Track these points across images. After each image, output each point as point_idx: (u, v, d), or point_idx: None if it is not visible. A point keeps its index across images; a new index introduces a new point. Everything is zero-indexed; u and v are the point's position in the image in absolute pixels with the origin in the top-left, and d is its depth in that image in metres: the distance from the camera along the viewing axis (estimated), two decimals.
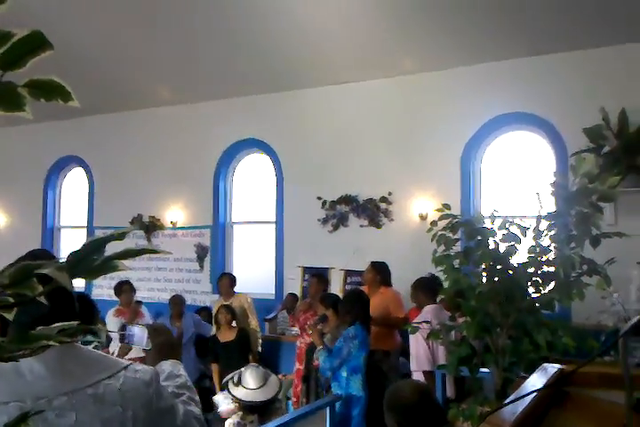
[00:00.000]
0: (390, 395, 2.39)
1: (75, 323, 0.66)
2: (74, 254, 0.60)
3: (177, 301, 7.08)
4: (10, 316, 0.59)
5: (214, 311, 6.89)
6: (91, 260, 0.59)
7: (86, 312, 4.31)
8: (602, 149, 5.67)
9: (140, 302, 7.17)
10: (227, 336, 6.31)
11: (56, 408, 1.23)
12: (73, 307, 1.42)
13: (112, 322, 6.68)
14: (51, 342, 0.62)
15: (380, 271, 6.14)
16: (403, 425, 2.25)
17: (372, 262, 6.23)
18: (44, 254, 4.68)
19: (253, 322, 6.93)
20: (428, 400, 2.31)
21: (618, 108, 5.78)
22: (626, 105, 5.78)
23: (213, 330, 6.76)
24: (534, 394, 1.47)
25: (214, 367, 6.34)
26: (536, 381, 1.68)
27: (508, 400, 1.42)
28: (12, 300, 0.57)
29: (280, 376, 5.32)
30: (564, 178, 2.99)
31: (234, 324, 6.54)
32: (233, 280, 7.18)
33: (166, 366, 1.66)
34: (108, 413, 1.27)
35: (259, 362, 5.68)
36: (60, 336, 0.63)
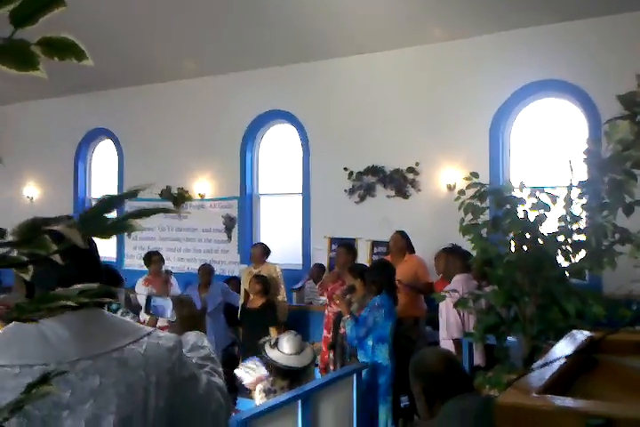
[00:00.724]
0: (416, 362, 2.39)
1: (95, 285, 0.65)
2: (85, 212, 0.59)
3: (206, 270, 7.14)
4: (27, 276, 0.58)
5: (243, 278, 6.94)
6: (103, 218, 0.58)
7: (110, 282, 4.40)
8: (636, 116, 5.51)
9: (169, 272, 7.25)
10: (254, 304, 6.34)
11: (80, 371, 1.23)
12: (99, 271, 1.41)
13: (141, 291, 6.78)
14: (69, 303, 0.62)
15: (407, 239, 6.20)
16: (428, 391, 2.25)
17: (399, 231, 6.26)
18: None
19: (281, 292, 6.96)
20: (454, 367, 2.31)
21: None
22: None
23: (242, 299, 6.82)
24: (563, 360, 1.45)
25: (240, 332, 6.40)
26: (564, 347, 1.65)
27: (535, 365, 1.41)
28: (25, 258, 0.57)
29: (310, 345, 5.35)
30: (597, 145, 2.92)
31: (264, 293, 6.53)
32: (266, 250, 7.20)
33: (191, 337, 1.66)
34: (131, 377, 1.28)
35: (277, 331, 5.75)
36: (80, 297, 0.62)
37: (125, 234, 9.78)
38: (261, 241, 8.53)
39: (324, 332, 5.82)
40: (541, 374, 1.37)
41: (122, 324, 1.39)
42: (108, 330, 1.32)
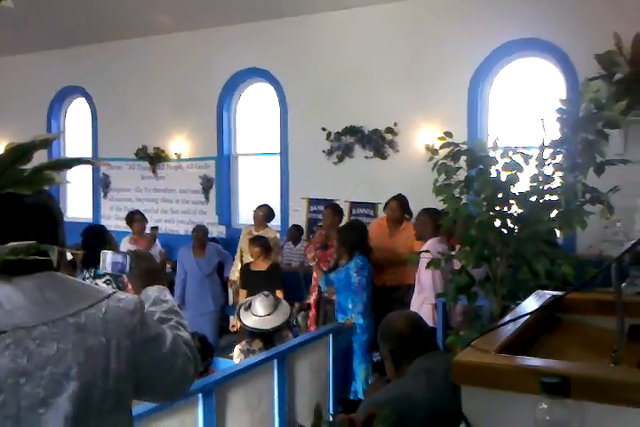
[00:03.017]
0: (383, 325, 2.43)
1: (29, 242, 0.63)
2: None
3: (200, 231, 6.99)
4: None
5: (241, 237, 6.94)
6: (17, 170, 0.55)
7: (96, 243, 4.35)
8: (614, 75, 5.49)
9: (156, 228, 7.23)
10: (259, 266, 6.25)
11: (36, 338, 1.21)
12: (48, 231, 1.33)
13: (127, 249, 6.76)
14: None
15: (405, 206, 6.00)
16: (395, 353, 2.28)
17: (397, 198, 6.02)
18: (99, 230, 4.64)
19: (275, 257, 6.92)
20: (420, 329, 2.35)
21: (631, 34, 5.56)
22: None
23: (237, 259, 6.83)
24: (525, 318, 1.46)
25: (242, 294, 6.30)
26: (529, 306, 1.67)
27: (497, 324, 1.41)
28: None
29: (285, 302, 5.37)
30: (572, 105, 2.89)
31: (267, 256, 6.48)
32: (271, 213, 7.14)
33: (152, 291, 1.64)
34: (90, 342, 1.26)
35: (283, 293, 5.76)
36: (11, 255, 0.60)
37: (102, 195, 9.70)
38: (236, 203, 8.53)
39: (313, 294, 5.81)
40: (502, 332, 1.38)
41: (80, 287, 1.36)
42: (64, 294, 1.29)
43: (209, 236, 8.31)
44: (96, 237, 4.44)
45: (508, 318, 1.47)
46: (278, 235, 7.08)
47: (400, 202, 6.01)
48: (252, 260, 6.35)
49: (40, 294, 1.25)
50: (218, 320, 6.83)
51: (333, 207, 6.51)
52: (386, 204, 6.17)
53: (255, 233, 6.85)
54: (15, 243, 0.63)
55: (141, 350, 1.35)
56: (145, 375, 1.38)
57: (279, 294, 5.85)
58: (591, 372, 1.11)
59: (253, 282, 6.14)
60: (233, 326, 6.30)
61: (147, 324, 1.39)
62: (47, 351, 1.21)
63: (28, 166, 0.66)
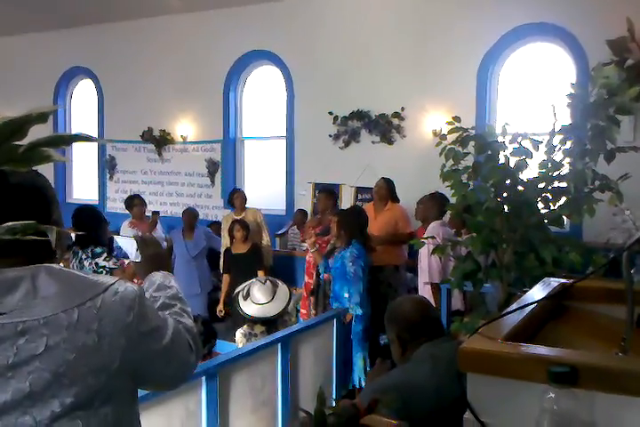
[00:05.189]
0: (392, 308, 2.41)
1: (27, 222, 0.60)
2: None
3: (190, 214, 7.09)
4: None
5: (225, 225, 6.93)
6: (12, 146, 0.52)
7: (93, 223, 4.33)
8: (625, 61, 5.41)
9: (157, 213, 7.23)
10: (239, 249, 6.37)
11: (26, 333, 1.18)
12: (42, 211, 1.28)
13: (127, 233, 6.77)
14: None
15: (391, 187, 6.13)
16: (402, 337, 2.27)
17: (385, 178, 6.19)
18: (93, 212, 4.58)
19: (265, 237, 6.97)
20: (429, 314, 2.33)
21: None
22: None
23: (223, 245, 6.82)
24: (533, 306, 1.44)
25: (225, 278, 6.45)
26: (536, 294, 1.65)
27: (504, 312, 1.40)
28: None
29: (293, 290, 5.39)
30: (583, 90, 2.85)
31: (247, 238, 6.56)
32: (245, 195, 7.18)
33: (157, 277, 1.62)
34: (82, 340, 1.22)
35: (271, 276, 5.75)
36: (7, 234, 0.57)
37: (107, 177, 9.69)
38: (242, 186, 8.50)
39: (306, 277, 5.85)
40: (509, 320, 1.36)
41: (78, 280, 1.30)
42: (60, 289, 1.24)
43: (214, 219, 8.34)
44: (88, 217, 4.42)
45: (515, 305, 1.45)
46: (261, 213, 7.05)
47: (386, 180, 6.14)
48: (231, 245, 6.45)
49: (34, 289, 1.21)
50: (206, 304, 6.86)
51: (327, 192, 6.54)
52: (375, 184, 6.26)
53: (237, 217, 6.87)
54: (12, 222, 0.61)
55: (138, 346, 1.31)
56: (143, 369, 1.35)
57: (261, 273, 5.93)
58: (600, 361, 1.10)
59: (235, 265, 6.23)
60: (220, 311, 6.35)
61: (146, 317, 1.34)
62: (36, 348, 1.18)
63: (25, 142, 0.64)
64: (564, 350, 1.16)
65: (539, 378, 1.07)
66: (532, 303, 1.40)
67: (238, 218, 6.81)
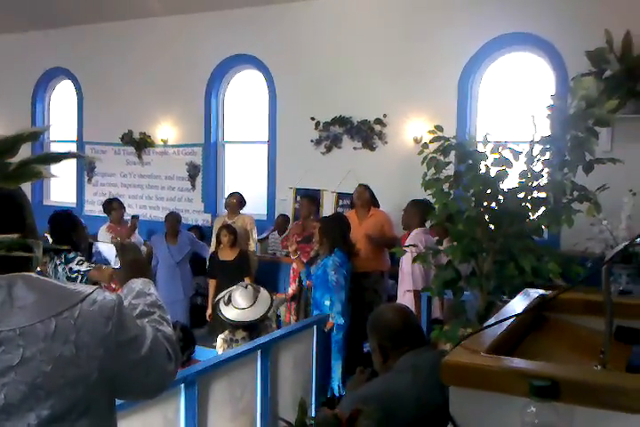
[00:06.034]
0: (374, 317, 2.42)
1: (12, 236, 0.59)
2: None
3: (172, 218, 6.99)
4: None
5: (215, 227, 6.89)
6: (3, 164, 0.52)
7: (67, 228, 4.28)
8: (604, 72, 5.50)
9: (136, 217, 7.16)
10: (227, 255, 6.29)
11: (1, 344, 1.16)
12: (17, 223, 1.23)
13: (105, 238, 6.70)
14: None
15: (371, 192, 6.15)
16: (384, 346, 2.27)
17: (363, 184, 6.21)
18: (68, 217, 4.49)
19: (252, 244, 6.93)
20: (410, 323, 2.34)
21: (622, 31, 5.56)
22: (631, 28, 5.56)
23: (212, 247, 6.77)
24: (513, 319, 1.45)
25: (212, 284, 6.35)
26: (517, 305, 1.66)
27: (486, 324, 1.41)
28: None
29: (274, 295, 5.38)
30: (562, 101, 2.89)
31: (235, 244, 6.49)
32: (242, 200, 7.14)
33: (137, 284, 1.61)
34: (59, 351, 1.20)
35: (256, 283, 5.71)
36: None
37: (85, 179, 9.60)
38: (223, 191, 8.47)
39: (292, 285, 5.81)
40: (491, 332, 1.37)
41: (54, 290, 1.28)
42: (37, 299, 1.22)
43: (194, 224, 8.29)
44: (64, 222, 4.37)
45: (495, 318, 1.46)
46: (253, 220, 7.04)
47: (365, 187, 6.17)
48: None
49: (10, 298, 1.19)
50: (188, 308, 6.81)
51: (309, 197, 6.55)
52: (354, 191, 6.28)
53: (229, 221, 6.84)
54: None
55: (116, 356, 1.29)
56: (121, 379, 1.33)
57: (248, 279, 5.90)
58: (581, 376, 1.11)
59: (222, 271, 6.18)
60: (210, 316, 6.33)
61: (124, 326, 1.32)
62: (12, 359, 1.16)
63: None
64: (544, 364, 1.18)
65: (520, 392, 1.09)
66: (513, 316, 1.41)
67: (229, 222, 6.76)
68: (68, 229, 4.23)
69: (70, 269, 4.07)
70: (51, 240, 4.36)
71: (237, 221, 6.87)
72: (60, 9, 8.66)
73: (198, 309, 6.82)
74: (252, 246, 6.91)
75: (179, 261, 6.73)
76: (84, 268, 4.02)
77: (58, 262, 4.11)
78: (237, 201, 7.03)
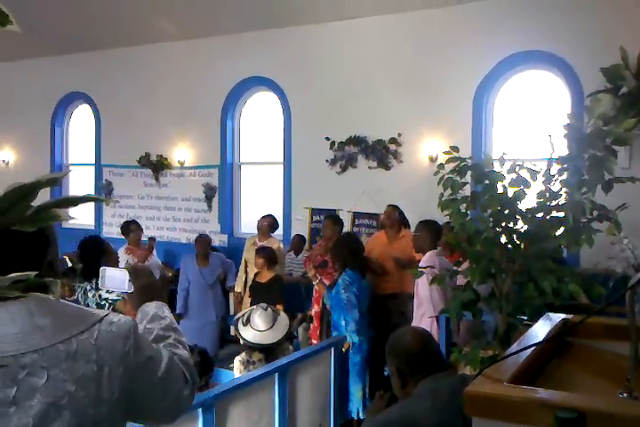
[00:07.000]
0: (392, 341, 2.38)
1: (28, 273, 0.59)
2: None
3: (203, 241, 6.88)
4: None
5: (246, 247, 6.94)
6: (21, 207, 0.52)
7: (96, 254, 4.29)
8: (620, 89, 5.47)
9: (153, 239, 7.18)
10: (262, 277, 6.17)
11: (26, 366, 1.17)
12: (37, 261, 1.21)
13: (123, 260, 6.73)
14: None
15: (401, 212, 5.99)
16: (402, 371, 2.24)
17: (392, 205, 6.04)
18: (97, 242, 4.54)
19: (279, 268, 6.86)
20: (429, 347, 2.29)
21: (637, 47, 5.53)
22: None
23: (241, 268, 6.78)
24: (535, 347, 1.42)
25: (248, 304, 6.18)
26: (539, 330, 1.63)
27: (508, 353, 1.38)
28: None
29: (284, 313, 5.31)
30: (578, 120, 2.87)
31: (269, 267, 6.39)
32: (275, 223, 7.13)
33: (150, 308, 1.60)
34: (81, 370, 1.21)
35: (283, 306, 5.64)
36: (10, 288, 0.56)
37: (103, 202, 9.67)
38: (239, 211, 8.50)
39: (315, 306, 5.73)
40: (513, 360, 1.34)
41: (71, 311, 1.30)
42: (56, 320, 1.23)
43: (212, 245, 8.29)
44: (94, 248, 4.39)
45: (517, 344, 1.43)
46: (282, 245, 7.05)
47: (394, 207, 6.01)
48: (256, 270, 6.31)
49: (30, 320, 1.20)
50: (219, 330, 6.79)
51: (333, 218, 6.45)
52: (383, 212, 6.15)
53: (259, 243, 6.82)
54: (15, 274, 0.60)
55: (135, 377, 1.31)
56: (139, 401, 1.34)
57: (279, 307, 5.76)
58: (608, 407, 1.08)
59: (256, 293, 6.08)
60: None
61: (140, 347, 1.34)
62: (37, 381, 1.16)
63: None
64: (569, 395, 1.15)
65: (545, 423, 1.06)
66: (535, 344, 1.38)
67: (262, 243, 6.72)
68: (98, 256, 4.25)
69: (100, 295, 4.09)
70: (80, 266, 4.38)
71: (268, 243, 6.82)
72: (78, 35, 8.81)
73: (227, 329, 6.81)
74: (280, 270, 6.84)
75: (211, 283, 6.69)
76: (113, 296, 4.04)
77: (88, 288, 4.13)
78: (269, 224, 7.02)
